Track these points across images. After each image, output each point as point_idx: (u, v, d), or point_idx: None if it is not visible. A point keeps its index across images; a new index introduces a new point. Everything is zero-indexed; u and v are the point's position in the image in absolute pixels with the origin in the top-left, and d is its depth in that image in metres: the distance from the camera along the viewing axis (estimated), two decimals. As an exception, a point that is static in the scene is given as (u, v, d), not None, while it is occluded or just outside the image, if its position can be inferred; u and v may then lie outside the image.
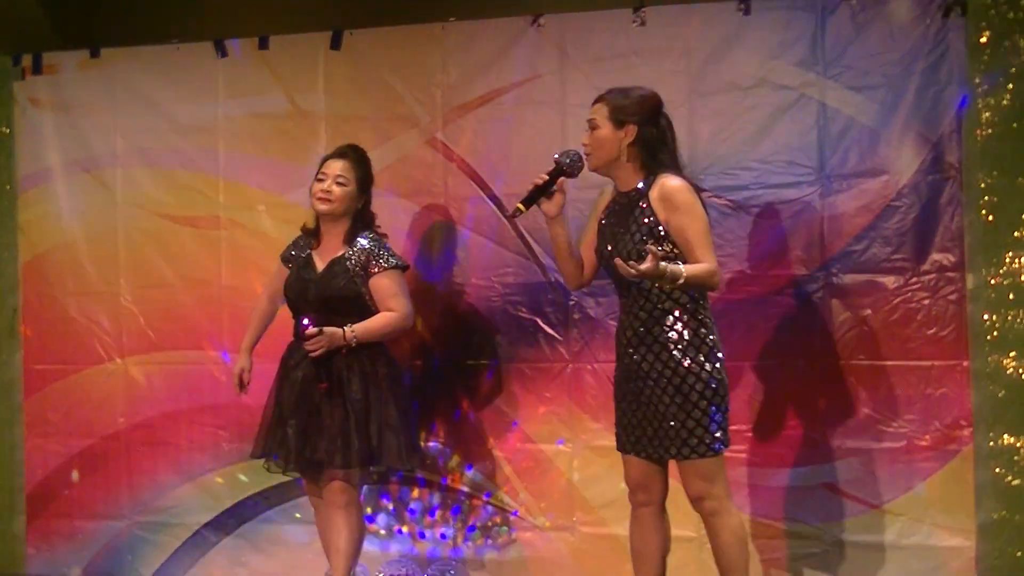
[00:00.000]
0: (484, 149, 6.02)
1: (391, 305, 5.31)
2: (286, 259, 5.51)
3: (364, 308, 5.31)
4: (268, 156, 6.25)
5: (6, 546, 6.63)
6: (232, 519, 6.35)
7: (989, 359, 5.45)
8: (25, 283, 6.59)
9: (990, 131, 5.44)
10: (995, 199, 5.44)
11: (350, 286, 5.28)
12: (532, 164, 5.84)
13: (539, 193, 4.81)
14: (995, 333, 5.45)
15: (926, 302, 5.52)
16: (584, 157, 4.84)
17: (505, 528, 6.04)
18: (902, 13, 5.54)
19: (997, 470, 5.45)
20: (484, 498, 6.06)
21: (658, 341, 4.74)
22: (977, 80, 5.44)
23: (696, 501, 4.81)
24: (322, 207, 5.34)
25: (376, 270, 5.31)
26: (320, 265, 5.36)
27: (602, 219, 4.95)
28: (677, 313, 4.74)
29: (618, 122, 4.76)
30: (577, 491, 5.94)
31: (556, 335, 5.93)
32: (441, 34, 6.05)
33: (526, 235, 5.93)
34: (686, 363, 4.70)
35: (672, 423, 4.72)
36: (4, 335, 6.60)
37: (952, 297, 5.50)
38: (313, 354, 5.17)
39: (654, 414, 4.76)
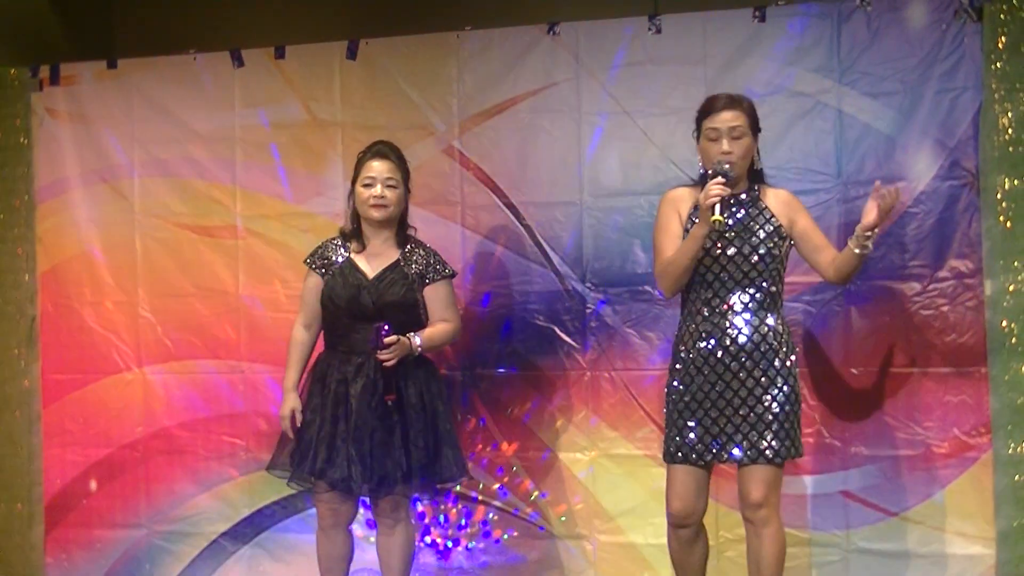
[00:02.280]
0: (500, 157, 6.02)
1: (447, 315, 5.25)
2: (320, 266, 5.28)
3: (416, 317, 5.22)
4: (285, 165, 6.26)
5: (25, 555, 6.63)
6: (250, 528, 6.34)
7: (1008, 366, 5.43)
8: (43, 293, 6.59)
9: (1007, 136, 5.42)
10: (1013, 205, 5.42)
11: (409, 295, 5.18)
12: (548, 172, 5.91)
13: (725, 201, 4.70)
14: (1013, 340, 5.43)
15: (944, 309, 5.51)
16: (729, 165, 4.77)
17: (522, 537, 6.03)
18: (918, 19, 5.53)
19: (1016, 477, 5.42)
20: (502, 507, 6.05)
21: (747, 333, 4.80)
22: (994, 85, 5.43)
23: (754, 507, 4.82)
24: (378, 215, 5.19)
25: (434, 278, 5.23)
26: (368, 270, 5.21)
27: (697, 221, 4.83)
28: (773, 319, 4.84)
29: (755, 131, 4.87)
30: (595, 499, 5.94)
31: (574, 343, 5.92)
32: (457, 43, 6.06)
33: (543, 243, 5.93)
34: (773, 360, 4.80)
35: (751, 425, 4.78)
36: (23, 345, 6.61)
37: (970, 304, 5.49)
38: (388, 363, 5.00)
39: (731, 415, 4.80)
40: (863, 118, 5.58)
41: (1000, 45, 5.41)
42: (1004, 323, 5.44)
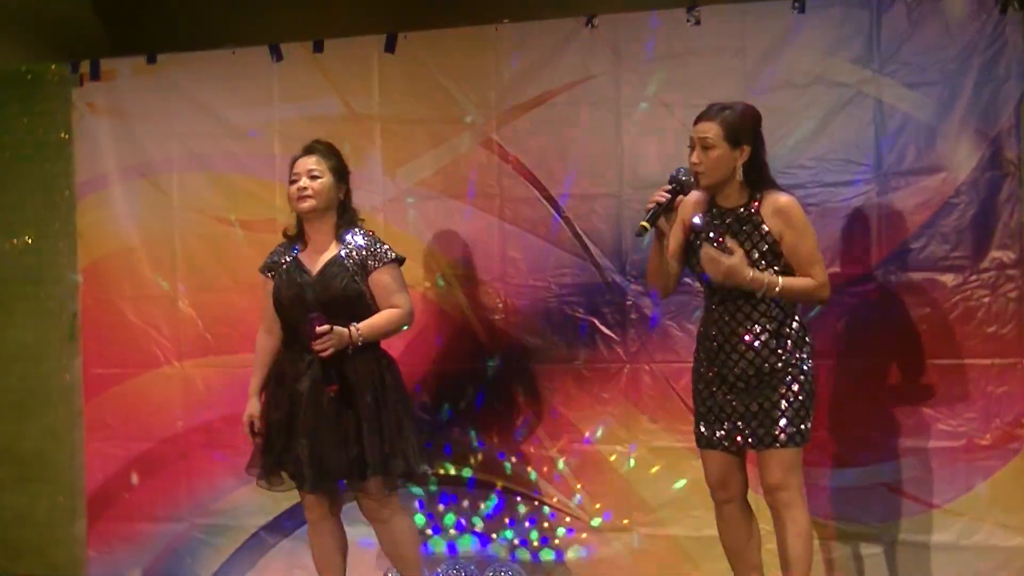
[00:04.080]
0: (538, 150, 6.02)
1: (395, 301, 5.19)
2: (269, 269, 5.30)
3: (366, 308, 5.16)
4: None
5: (68, 549, 6.70)
6: (290, 521, 6.36)
7: (1050, 356, 5.42)
8: (84, 288, 6.65)
9: (1049, 126, 5.40)
10: (1055, 195, 5.41)
11: (352, 286, 5.13)
12: (586, 164, 5.93)
13: (663, 210, 4.78)
14: (1056, 330, 5.41)
15: (986, 300, 5.48)
16: (695, 175, 4.81)
17: (563, 529, 6.04)
18: (958, 8, 5.50)
19: (1059, 468, 5.41)
20: (541, 499, 6.06)
21: (755, 334, 4.79)
22: (1036, 75, 5.41)
23: (772, 491, 4.83)
24: (303, 205, 5.17)
25: (376, 265, 5.17)
26: (312, 267, 5.19)
27: (696, 231, 4.93)
28: (776, 323, 4.80)
29: (734, 142, 4.77)
30: (635, 492, 5.94)
31: (613, 336, 5.92)
32: (495, 36, 6.06)
33: (582, 236, 5.93)
34: (782, 355, 4.77)
35: (764, 412, 4.78)
36: (64, 340, 6.67)
37: (1012, 295, 5.46)
38: (323, 354, 4.98)
39: (744, 404, 4.81)
40: (903, 108, 5.55)
41: (1043, 34, 5.39)
42: (1047, 314, 5.42)
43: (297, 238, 5.31)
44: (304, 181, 5.18)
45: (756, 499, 5.05)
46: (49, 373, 6.71)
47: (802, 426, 4.80)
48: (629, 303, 5.89)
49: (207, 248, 6.47)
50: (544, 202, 6.00)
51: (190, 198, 6.49)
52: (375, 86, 6.21)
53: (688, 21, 5.79)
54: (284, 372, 5.22)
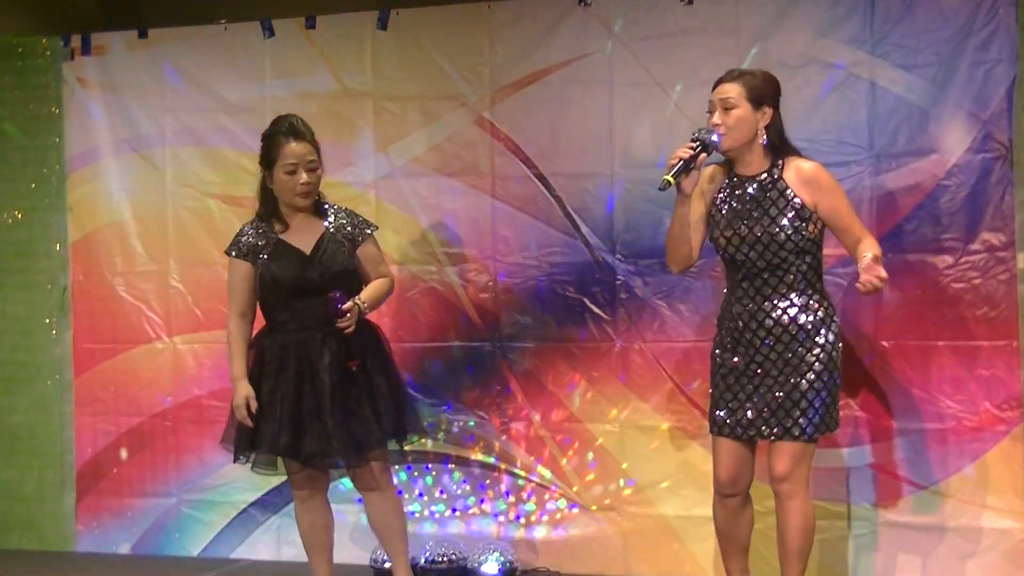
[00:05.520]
0: (531, 128, 6.01)
1: (383, 271, 5.25)
2: (246, 254, 5.15)
3: (359, 281, 5.18)
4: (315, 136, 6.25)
5: (56, 523, 6.72)
6: (279, 498, 6.36)
7: (1040, 339, 5.42)
8: (74, 262, 6.65)
9: (1042, 109, 5.40)
10: (1046, 178, 5.40)
11: (350, 261, 5.14)
12: (579, 143, 5.90)
13: (685, 166, 4.64)
14: (1046, 313, 5.41)
15: (976, 282, 5.48)
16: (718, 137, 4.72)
17: (551, 507, 6.04)
18: (952, -10, 5.50)
19: (1047, 451, 5.42)
20: (531, 478, 6.06)
21: (782, 308, 4.72)
22: (1029, 57, 5.40)
23: (778, 480, 4.77)
24: (306, 202, 5.10)
25: (362, 238, 5.19)
26: (302, 246, 5.12)
27: (718, 202, 4.85)
28: (805, 298, 4.74)
29: (756, 102, 4.71)
30: (624, 471, 5.94)
31: (603, 315, 5.92)
32: (488, 13, 6.05)
33: (573, 215, 5.92)
34: (810, 333, 4.70)
35: (791, 402, 4.70)
36: (54, 314, 6.67)
37: (1002, 277, 5.45)
38: (348, 330, 4.98)
39: (771, 394, 4.73)
40: (896, 90, 5.54)
41: (1036, 16, 5.38)
42: (1037, 296, 5.43)
43: (271, 219, 5.18)
44: (306, 176, 5.08)
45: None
46: (39, 347, 6.72)
47: (826, 416, 4.72)
48: (619, 282, 5.89)
49: (198, 224, 6.47)
50: (535, 180, 5.99)
51: (182, 173, 6.49)
52: (368, 63, 6.20)
53: (682, 1, 5.77)
54: (285, 355, 5.12)
